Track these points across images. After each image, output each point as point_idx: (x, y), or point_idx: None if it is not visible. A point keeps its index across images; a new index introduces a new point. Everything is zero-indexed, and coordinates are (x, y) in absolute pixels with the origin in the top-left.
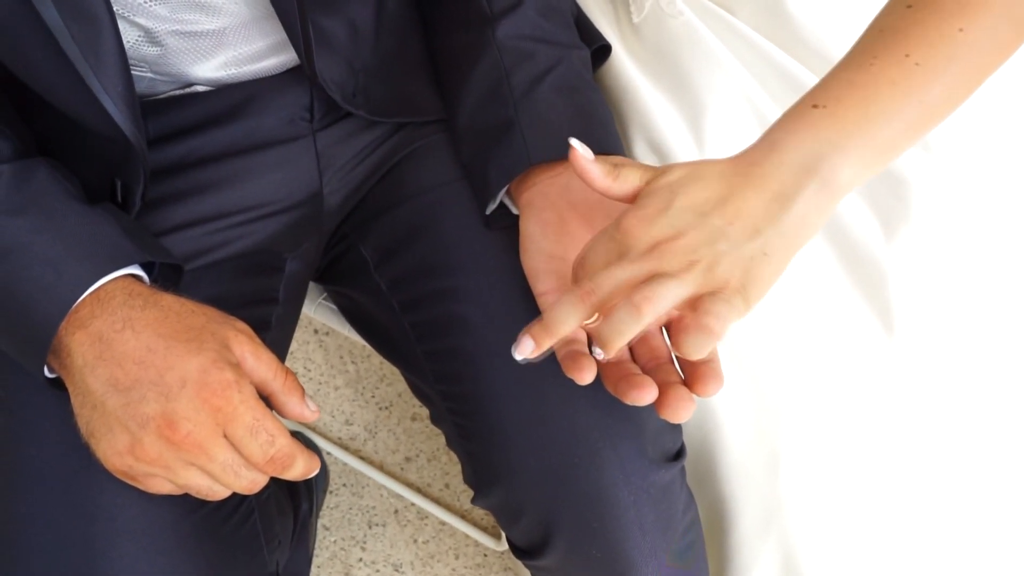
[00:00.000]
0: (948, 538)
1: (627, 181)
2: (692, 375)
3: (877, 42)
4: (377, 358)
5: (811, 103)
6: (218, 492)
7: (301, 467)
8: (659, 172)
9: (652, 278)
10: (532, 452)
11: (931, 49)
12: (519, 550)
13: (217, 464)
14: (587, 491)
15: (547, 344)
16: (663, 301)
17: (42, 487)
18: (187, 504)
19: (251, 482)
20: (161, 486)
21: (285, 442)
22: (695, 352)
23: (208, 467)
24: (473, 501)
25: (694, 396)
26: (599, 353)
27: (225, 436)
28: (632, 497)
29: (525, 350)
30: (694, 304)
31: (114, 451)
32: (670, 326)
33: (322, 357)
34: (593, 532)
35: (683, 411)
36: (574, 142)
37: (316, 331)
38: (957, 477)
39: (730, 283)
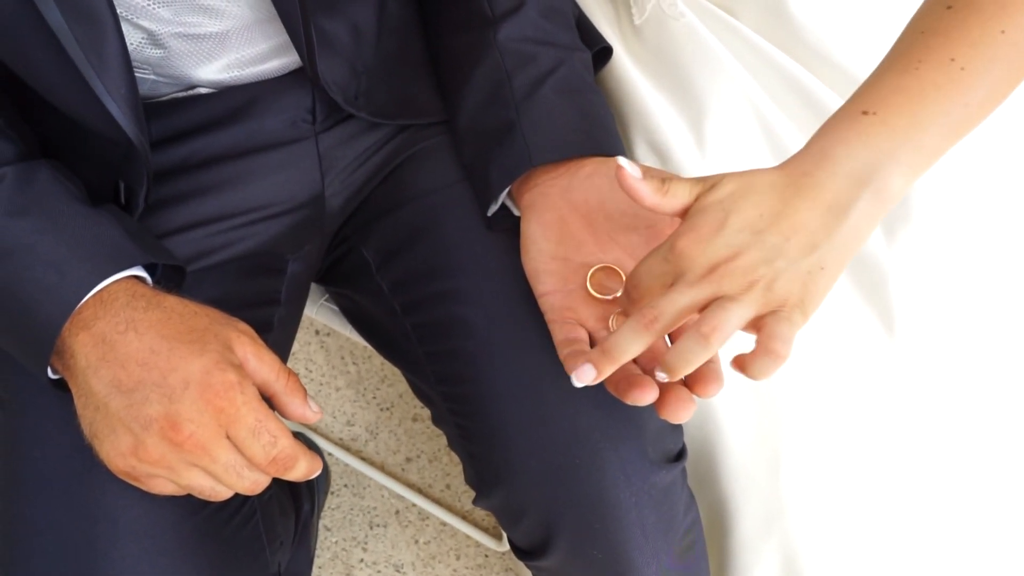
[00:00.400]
0: (949, 539)
1: (677, 197)
2: (692, 376)
3: (920, 44)
4: (378, 359)
5: (860, 109)
6: (221, 493)
7: (303, 468)
8: (708, 186)
9: (714, 303)
10: (534, 453)
11: (974, 51)
12: (521, 551)
13: (220, 465)
14: (588, 492)
15: (608, 372)
16: (729, 327)
17: (45, 488)
18: (189, 505)
19: (253, 483)
20: (164, 487)
21: (287, 443)
22: (763, 375)
23: (211, 468)
24: (475, 502)
25: (694, 397)
26: (664, 377)
27: (228, 437)
28: (633, 498)
29: (586, 377)
30: (756, 324)
31: (117, 452)
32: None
33: (323, 358)
34: (595, 533)
35: (683, 411)
36: (622, 161)
37: (317, 332)
38: (958, 478)
39: (789, 300)
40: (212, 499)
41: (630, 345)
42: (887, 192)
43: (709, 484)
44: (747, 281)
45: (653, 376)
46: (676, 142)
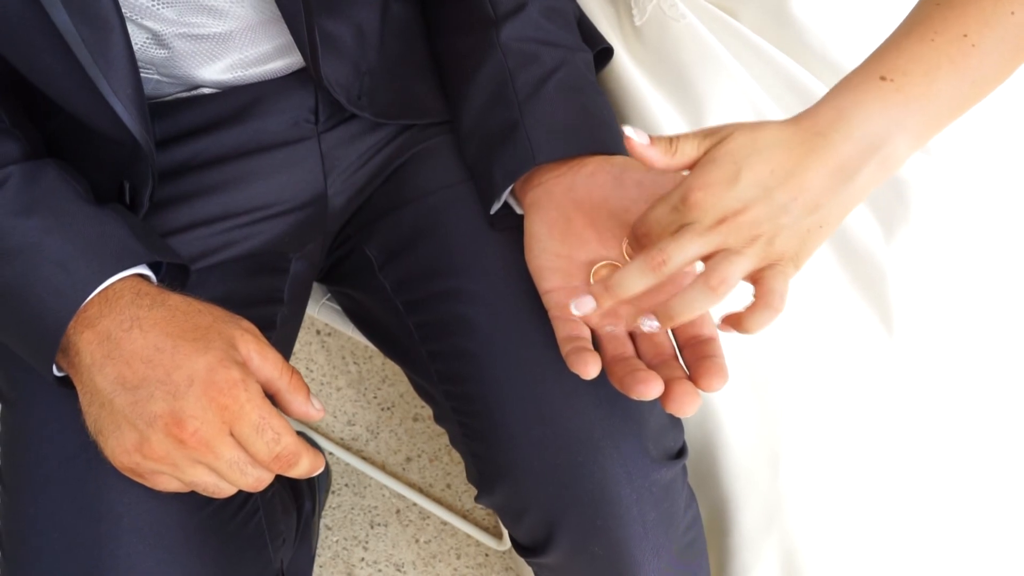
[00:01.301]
0: (948, 537)
1: (685, 154)
2: (697, 370)
3: (936, 17)
4: (379, 359)
5: (879, 73)
6: (224, 490)
7: (306, 465)
8: (718, 139)
9: (719, 255)
10: (536, 451)
11: (986, 29)
12: (522, 548)
13: (223, 462)
14: (590, 489)
15: (607, 304)
16: (734, 280)
17: (50, 486)
18: (193, 502)
19: (257, 480)
20: (168, 484)
21: (291, 440)
22: (758, 328)
23: (214, 465)
24: (477, 499)
25: (699, 391)
26: (654, 326)
27: (231, 434)
28: (635, 495)
29: (585, 307)
30: (752, 276)
31: (122, 449)
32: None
33: (325, 358)
34: (596, 530)
35: (689, 405)
36: (628, 129)
37: (319, 332)
38: (957, 476)
39: (786, 254)
40: (215, 496)
41: (635, 283)
42: (893, 159)
43: (709, 482)
44: (751, 235)
45: (663, 372)
46: None
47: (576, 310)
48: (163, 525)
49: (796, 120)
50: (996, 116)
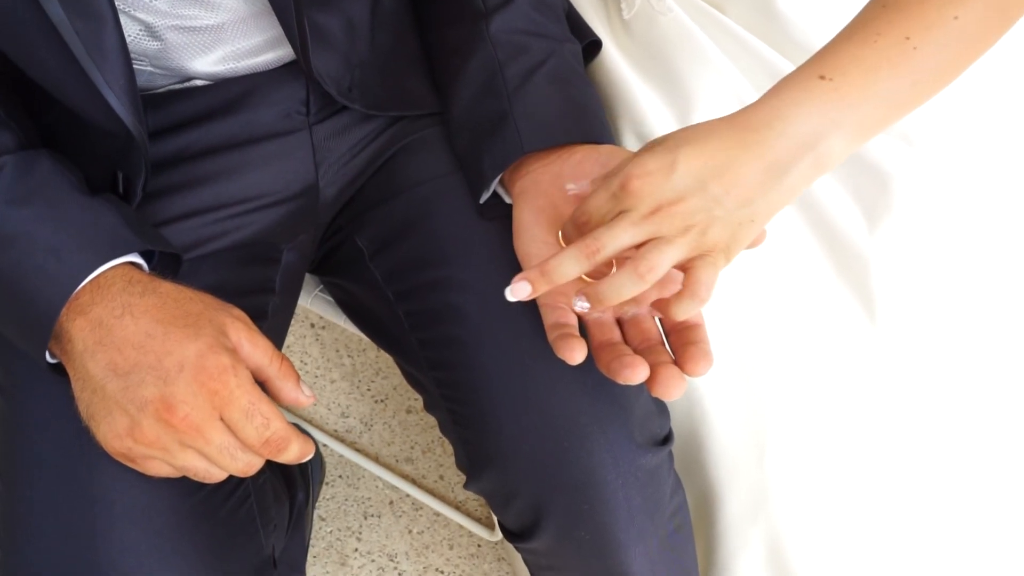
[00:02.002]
0: (932, 525)
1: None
2: (682, 355)
3: (881, 19)
4: (373, 351)
5: (818, 72)
6: (215, 474)
7: (296, 450)
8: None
9: (651, 243)
10: (523, 437)
11: (928, 33)
12: (511, 533)
13: (214, 446)
14: (576, 475)
15: (542, 289)
16: (663, 268)
17: (44, 471)
18: (185, 487)
19: (247, 464)
20: (159, 468)
21: (280, 425)
22: (683, 315)
23: (205, 449)
24: (466, 486)
25: (684, 376)
26: (585, 306)
27: (221, 419)
28: (620, 480)
29: (520, 293)
30: (683, 265)
31: (113, 434)
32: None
33: (319, 351)
34: (582, 514)
35: (674, 388)
36: (509, 294)
37: (313, 325)
38: (941, 464)
39: (718, 246)
40: (206, 481)
41: (569, 269)
42: (827, 157)
43: (696, 469)
44: (684, 225)
45: (652, 357)
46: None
47: (511, 296)
48: (155, 510)
49: (733, 116)
50: (978, 107)
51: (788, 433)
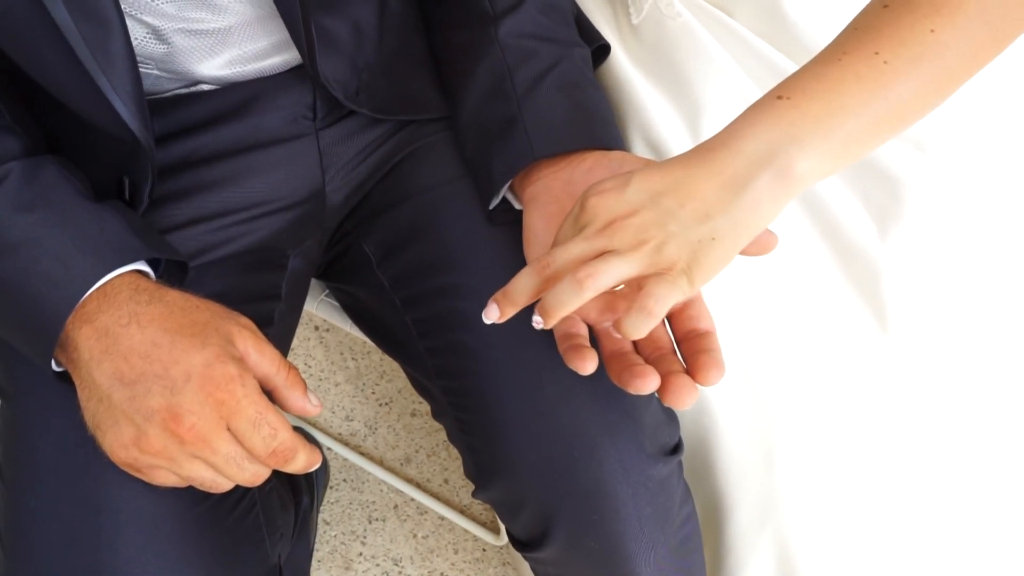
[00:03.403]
0: (942, 533)
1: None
2: (694, 364)
3: (851, 39)
4: (377, 354)
5: (776, 94)
6: (221, 484)
7: (303, 460)
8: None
9: (601, 255)
10: (532, 446)
11: (901, 48)
12: (519, 542)
13: (220, 457)
14: (586, 484)
15: (510, 312)
16: (606, 277)
17: (49, 480)
18: (191, 496)
19: (254, 474)
20: (166, 478)
21: (287, 435)
22: (633, 332)
23: (212, 460)
24: (474, 494)
25: (696, 384)
26: (538, 322)
27: (228, 429)
28: (630, 490)
29: (492, 315)
30: (639, 283)
31: (120, 443)
32: (672, 317)
33: (323, 353)
34: (592, 524)
35: (686, 398)
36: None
37: (317, 328)
38: (951, 473)
39: (676, 264)
40: (213, 491)
41: (524, 288)
42: (791, 174)
43: (704, 477)
44: (637, 239)
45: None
46: (673, 140)
47: (486, 319)
48: (161, 519)
49: (695, 147)
50: (989, 113)
51: (797, 441)
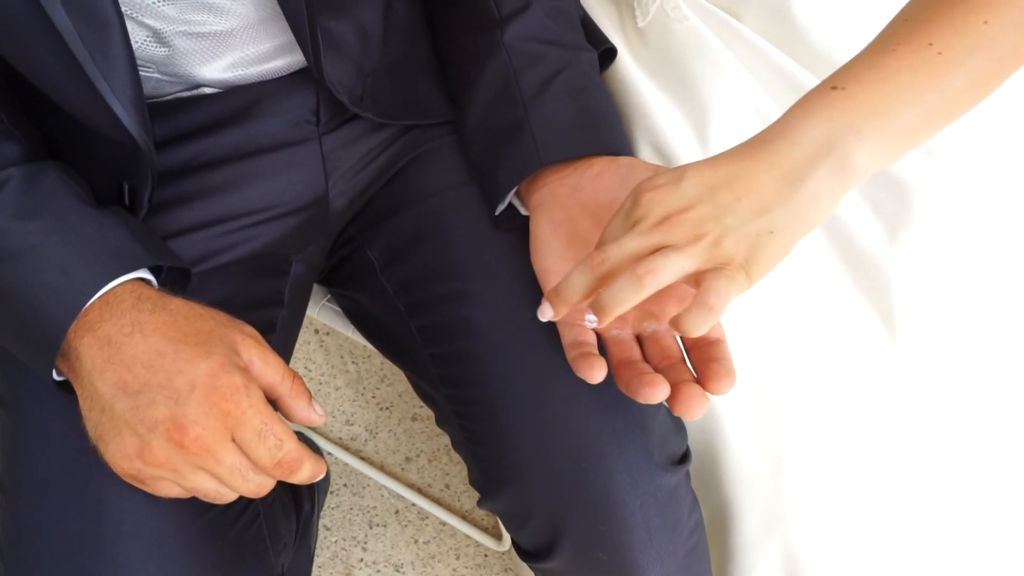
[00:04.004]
0: (952, 543)
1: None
2: (704, 373)
3: (901, 29)
4: (378, 358)
5: (830, 85)
6: (225, 495)
7: (308, 471)
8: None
9: (659, 251)
10: (540, 456)
11: (954, 38)
12: (525, 552)
13: (225, 468)
14: (595, 495)
15: (563, 310)
16: (666, 273)
17: (50, 491)
18: (194, 508)
19: (258, 485)
20: (169, 489)
21: (293, 446)
22: (695, 329)
23: (216, 471)
24: (480, 504)
25: (706, 394)
26: (592, 320)
27: (233, 440)
28: (639, 501)
29: (546, 314)
30: (697, 279)
31: (123, 455)
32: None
33: (323, 357)
34: (600, 535)
35: (696, 407)
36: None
37: (317, 331)
38: (960, 482)
39: (734, 259)
40: (217, 502)
41: (577, 285)
42: (849, 165)
43: (711, 485)
44: (695, 234)
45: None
46: (680, 144)
47: (541, 317)
48: (164, 531)
49: (748, 139)
50: (1000, 118)
51: (805, 448)
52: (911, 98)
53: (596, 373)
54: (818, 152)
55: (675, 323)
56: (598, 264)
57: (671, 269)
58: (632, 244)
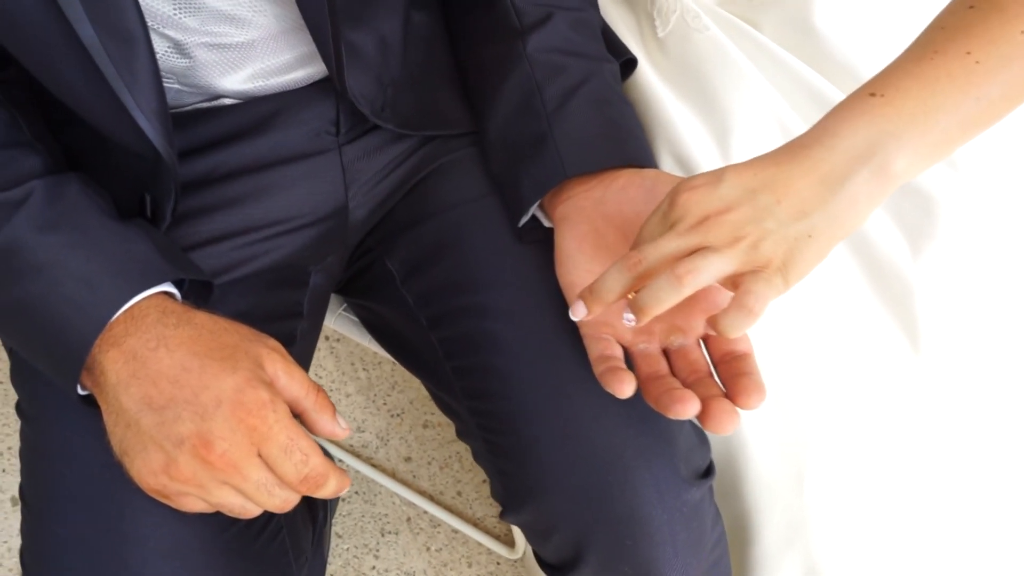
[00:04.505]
0: (975, 558)
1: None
2: (733, 387)
3: (939, 38)
4: (388, 365)
5: (869, 91)
6: (250, 511)
7: (333, 486)
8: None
9: (697, 251)
10: (566, 471)
11: (992, 48)
12: (548, 566)
13: (251, 483)
14: (621, 510)
15: (597, 310)
16: (705, 274)
17: (74, 505)
18: (218, 523)
19: (284, 501)
20: (194, 504)
21: (319, 461)
22: (732, 331)
23: (242, 486)
24: (502, 516)
25: (737, 409)
26: (631, 319)
27: (259, 455)
28: (666, 516)
29: (579, 313)
30: (735, 281)
31: (148, 470)
32: (708, 339)
33: (333, 364)
34: (625, 550)
35: (728, 424)
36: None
37: (327, 338)
38: (984, 497)
39: (772, 262)
40: (241, 516)
41: (614, 284)
42: (888, 171)
43: (732, 496)
44: (733, 236)
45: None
46: (701, 155)
47: (573, 316)
48: (188, 547)
49: (786, 143)
50: (1021, 131)
51: (827, 461)
52: (951, 106)
53: (625, 388)
54: (858, 157)
55: (712, 324)
56: (635, 263)
57: (710, 270)
58: (670, 244)
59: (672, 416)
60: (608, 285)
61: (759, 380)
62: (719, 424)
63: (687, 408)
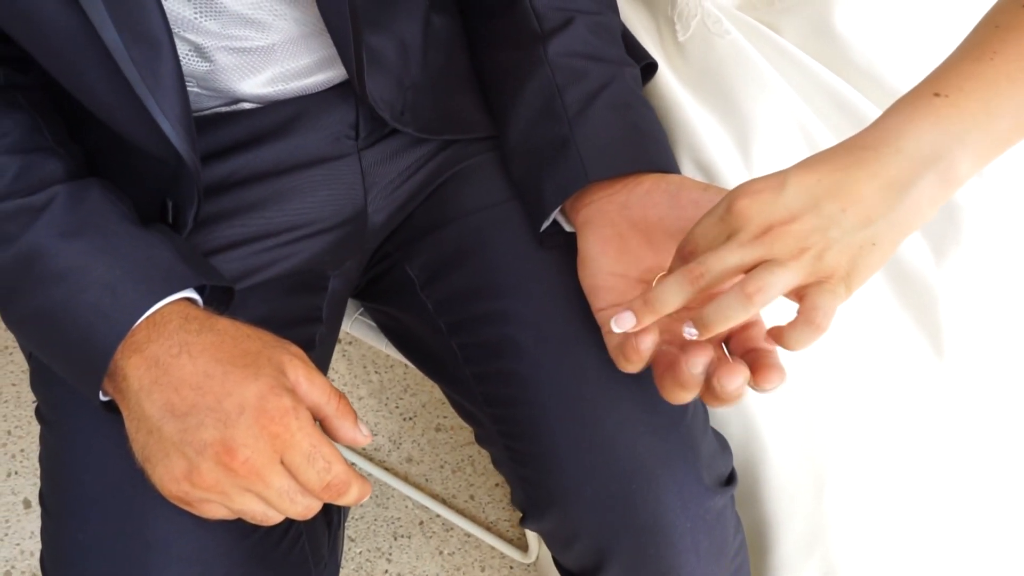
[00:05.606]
0: (994, 565)
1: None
2: (753, 367)
3: (995, 38)
4: (401, 368)
5: (932, 91)
6: (272, 518)
7: (356, 493)
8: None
9: (762, 266)
10: (589, 478)
11: None
12: (569, 573)
13: (273, 490)
14: (644, 518)
15: (647, 321)
16: (774, 291)
17: (95, 512)
18: (239, 530)
19: (306, 508)
20: (216, 511)
21: (341, 468)
22: (799, 346)
23: (264, 493)
24: (522, 523)
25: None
26: (693, 333)
27: (282, 462)
28: (688, 524)
29: (625, 324)
30: (797, 292)
31: (171, 477)
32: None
33: (345, 367)
34: (648, 558)
35: (775, 375)
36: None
37: (340, 340)
38: (1007, 505)
39: (836, 272)
40: (263, 523)
41: (672, 297)
42: (953, 175)
43: (752, 502)
44: (799, 247)
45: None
46: (723, 160)
47: (616, 327)
48: (210, 553)
49: (844, 142)
50: None
51: (848, 467)
52: (1011, 108)
53: (635, 366)
54: (924, 161)
55: (777, 338)
56: (698, 276)
57: (779, 286)
58: (733, 257)
59: (727, 384)
60: (666, 297)
61: (778, 361)
62: (768, 374)
63: (735, 375)
